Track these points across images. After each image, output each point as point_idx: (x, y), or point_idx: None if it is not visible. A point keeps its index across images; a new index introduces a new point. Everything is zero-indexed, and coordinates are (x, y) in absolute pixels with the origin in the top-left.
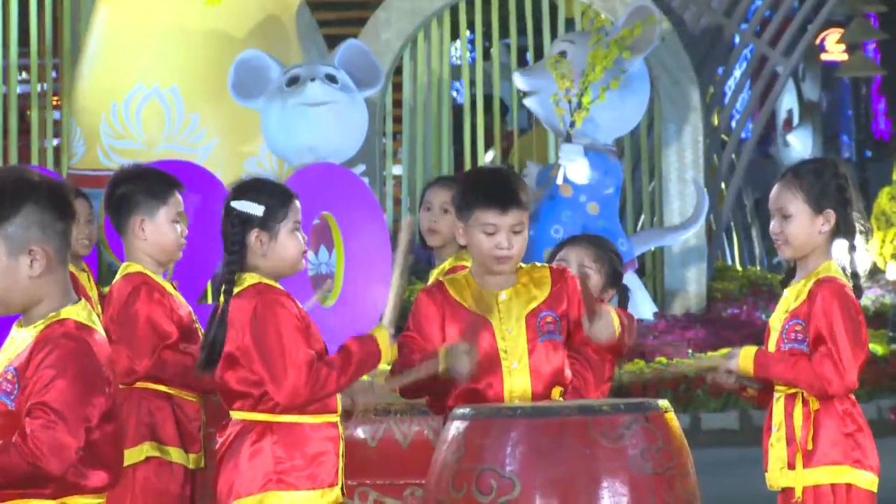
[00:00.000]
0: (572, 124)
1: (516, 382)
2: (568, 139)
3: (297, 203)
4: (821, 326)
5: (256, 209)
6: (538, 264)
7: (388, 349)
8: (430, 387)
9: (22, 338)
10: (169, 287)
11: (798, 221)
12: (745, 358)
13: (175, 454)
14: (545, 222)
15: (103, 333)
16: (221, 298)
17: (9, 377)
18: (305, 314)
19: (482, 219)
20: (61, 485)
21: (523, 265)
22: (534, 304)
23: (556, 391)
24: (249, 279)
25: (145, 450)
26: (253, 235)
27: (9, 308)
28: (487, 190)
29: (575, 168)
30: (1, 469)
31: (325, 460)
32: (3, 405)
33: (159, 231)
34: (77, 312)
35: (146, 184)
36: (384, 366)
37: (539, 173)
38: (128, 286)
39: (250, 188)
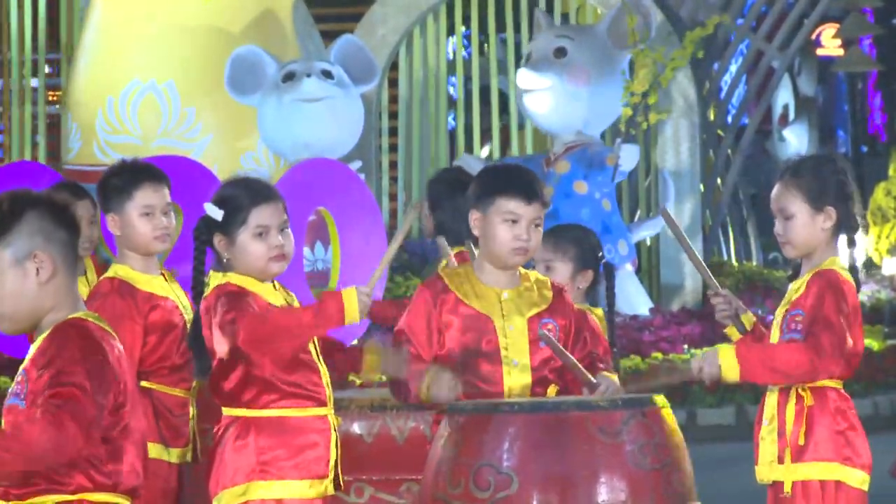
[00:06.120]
0: (631, 125)
1: (516, 380)
2: (627, 140)
3: (269, 207)
4: (812, 314)
5: (216, 213)
6: (540, 275)
7: (354, 309)
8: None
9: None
10: (151, 285)
11: (799, 221)
12: (728, 368)
13: (152, 450)
14: (566, 221)
15: (114, 334)
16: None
17: (19, 380)
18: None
19: (505, 206)
20: (80, 475)
21: (526, 271)
22: (537, 310)
23: (553, 389)
24: (214, 279)
25: None
26: (216, 239)
27: (18, 322)
28: (512, 179)
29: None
30: (24, 448)
31: (314, 452)
32: (15, 407)
33: (127, 225)
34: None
35: (113, 179)
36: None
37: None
38: (99, 290)
39: (219, 190)
